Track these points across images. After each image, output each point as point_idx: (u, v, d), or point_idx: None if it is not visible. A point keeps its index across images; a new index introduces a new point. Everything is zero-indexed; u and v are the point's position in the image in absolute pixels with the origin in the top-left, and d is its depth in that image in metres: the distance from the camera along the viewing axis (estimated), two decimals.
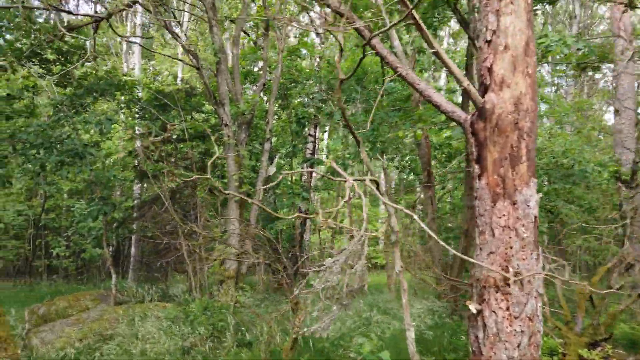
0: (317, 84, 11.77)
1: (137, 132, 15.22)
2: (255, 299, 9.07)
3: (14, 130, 7.93)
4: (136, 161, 15.98)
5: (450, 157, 12.71)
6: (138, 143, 19.14)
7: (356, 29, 4.62)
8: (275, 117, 13.74)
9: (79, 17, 12.69)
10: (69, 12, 8.97)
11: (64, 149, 7.95)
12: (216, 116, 11.53)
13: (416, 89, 4.38)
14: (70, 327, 7.16)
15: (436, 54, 4.34)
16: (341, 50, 4.04)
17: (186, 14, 12.54)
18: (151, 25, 24.04)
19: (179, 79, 18.78)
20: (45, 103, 10.69)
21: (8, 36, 9.08)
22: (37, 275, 18.45)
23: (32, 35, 9.17)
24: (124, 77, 10.51)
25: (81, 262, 18.62)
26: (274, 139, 13.73)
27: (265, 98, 13.02)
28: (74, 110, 9.09)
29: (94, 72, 10.77)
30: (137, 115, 11.39)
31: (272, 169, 10.32)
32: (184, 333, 6.37)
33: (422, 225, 3.23)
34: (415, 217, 3.32)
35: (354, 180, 3.38)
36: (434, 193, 9.05)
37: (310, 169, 12.57)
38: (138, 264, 20.25)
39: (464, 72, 8.31)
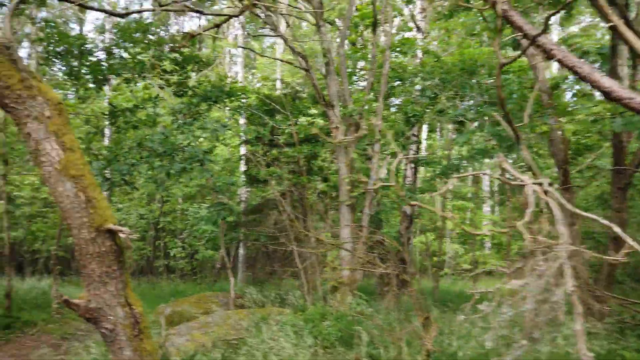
0: (426, 80, 11.08)
1: (242, 137, 15.60)
2: (367, 307, 8.64)
3: (140, 139, 8.31)
4: (245, 166, 16.45)
5: (578, 152, 11.31)
6: (242, 149, 19.80)
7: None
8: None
9: (200, 24, 13.30)
10: (201, 12, 9.28)
11: (185, 155, 8.20)
12: (323, 118, 11.31)
13: (577, 73, 3.65)
14: (197, 330, 7.28)
15: (614, 28, 3.61)
16: (499, 30, 3.46)
17: (289, 17, 12.56)
18: (248, 35, 24.75)
19: (278, 84, 19.10)
20: (164, 112, 11.22)
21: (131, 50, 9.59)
22: (158, 275, 19.78)
23: (151, 49, 9.62)
24: (234, 84, 10.70)
25: (195, 262, 19.66)
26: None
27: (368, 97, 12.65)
28: (192, 118, 9.36)
29: (206, 80, 11.10)
30: (246, 121, 11.56)
31: (384, 172, 9.85)
32: (309, 344, 6.13)
33: (627, 238, 2.54)
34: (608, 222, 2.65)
35: (534, 183, 2.79)
36: (573, 194, 7.96)
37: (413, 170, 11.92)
38: (246, 267, 20.94)
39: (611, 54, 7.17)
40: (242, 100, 11.30)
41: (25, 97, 3.19)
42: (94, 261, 3.38)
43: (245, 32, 20.45)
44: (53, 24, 9.41)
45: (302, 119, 11.89)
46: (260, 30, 23.77)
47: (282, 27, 17.35)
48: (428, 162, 11.65)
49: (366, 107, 9.98)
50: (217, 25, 10.16)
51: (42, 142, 3.24)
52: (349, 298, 8.64)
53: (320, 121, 11.65)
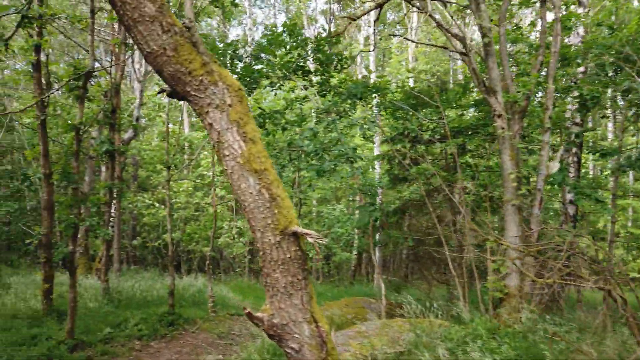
0: (602, 56, 9.29)
1: (380, 135, 14.95)
2: (549, 324, 7.30)
3: (290, 140, 8.09)
4: (384, 165, 15.79)
5: None
6: (376, 149, 19.24)
7: None
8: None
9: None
10: None
11: (335, 154, 7.78)
12: (478, 108, 10.17)
13: None
14: (354, 340, 6.74)
15: None
16: None
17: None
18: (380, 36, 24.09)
19: (410, 76, 18.07)
20: (310, 112, 11.04)
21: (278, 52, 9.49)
22: None
23: (297, 50, 9.43)
24: (380, 78, 10.09)
25: (332, 265, 19.56)
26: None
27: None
28: (338, 116, 8.93)
29: (348, 78, 10.66)
30: (388, 117, 10.86)
31: (555, 165, 8.38)
32: None
33: None
34: None
35: None
36: None
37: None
38: (382, 270, 20.32)
39: None
40: (387, 95, 10.66)
41: (207, 84, 2.83)
42: (278, 269, 2.90)
43: (377, 31, 19.87)
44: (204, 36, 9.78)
45: (451, 112, 10.83)
46: (389, 29, 23.07)
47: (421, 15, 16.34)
48: (605, 152, 9.76)
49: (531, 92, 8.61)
50: (355, 19, 9.66)
51: (224, 133, 2.85)
52: (519, 311, 7.42)
53: (472, 112, 10.49)
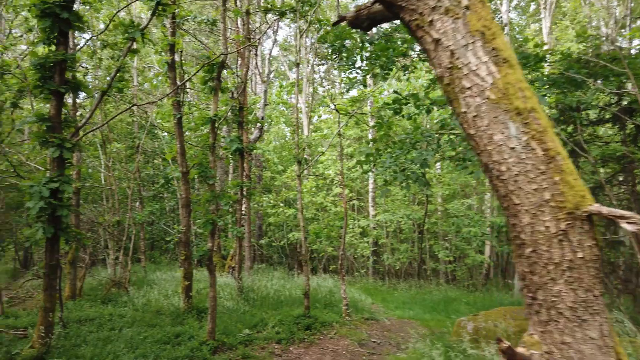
0: None
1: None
2: None
3: (442, 120, 6.81)
4: None
5: None
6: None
7: None
8: None
9: None
10: None
11: None
12: None
13: None
14: None
15: None
16: None
17: None
18: None
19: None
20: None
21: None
22: (424, 279, 18.55)
23: None
24: (537, 48, 8.29)
25: (465, 267, 17.68)
26: None
27: None
28: None
29: None
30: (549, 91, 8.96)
31: None
32: None
33: None
34: None
35: None
36: None
37: None
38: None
39: None
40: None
41: None
42: (562, 278, 1.68)
43: None
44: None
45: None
46: None
47: None
48: None
49: None
50: None
51: (461, 52, 1.71)
52: None
53: None
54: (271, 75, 16.13)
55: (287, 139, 23.52)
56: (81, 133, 6.27)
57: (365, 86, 11.26)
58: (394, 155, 6.99)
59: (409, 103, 8.50)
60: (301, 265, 22.31)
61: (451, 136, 6.97)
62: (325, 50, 24.78)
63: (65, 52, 6.10)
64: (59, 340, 7.50)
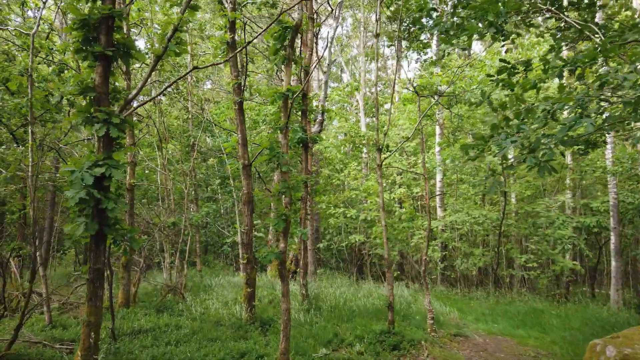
0: None
1: None
2: None
3: (603, 77, 5.02)
4: None
5: None
6: None
7: None
8: None
9: None
10: None
11: None
12: None
13: None
14: None
15: None
16: None
17: None
18: None
19: None
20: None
21: None
22: (502, 287, 16.41)
23: None
24: None
25: (552, 274, 15.41)
26: None
27: None
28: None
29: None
30: None
31: None
32: None
33: None
34: None
35: None
36: None
37: None
38: (622, 283, 15.43)
39: None
40: None
41: None
42: None
43: None
44: None
45: None
46: None
47: None
48: None
49: None
50: None
51: None
52: None
53: None
54: (332, 66, 14.64)
55: (346, 134, 21.98)
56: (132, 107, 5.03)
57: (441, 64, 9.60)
58: (529, 123, 5.27)
59: (518, 72, 6.77)
60: (362, 270, 20.67)
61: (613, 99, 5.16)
62: (395, 30, 23.12)
63: (112, 7, 4.87)
64: (108, 356, 6.31)
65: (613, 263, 13.98)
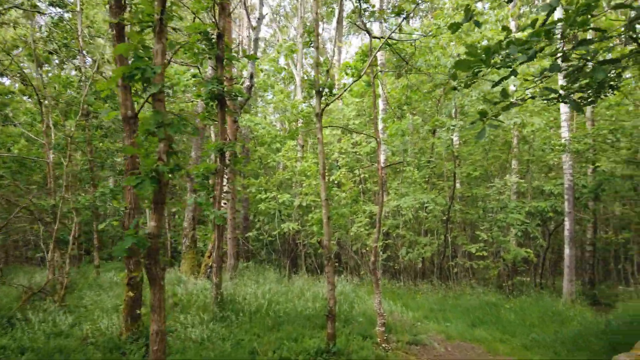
0: None
1: None
2: None
3: None
4: None
5: None
6: None
7: None
8: None
9: None
10: None
11: None
12: None
13: None
14: None
15: None
16: None
17: None
18: None
19: None
20: None
21: None
22: (447, 278, 14.76)
23: None
24: None
25: (503, 264, 13.90)
26: None
27: None
28: None
29: None
30: None
31: None
32: None
33: None
34: None
35: None
36: None
37: None
38: (578, 271, 14.27)
39: None
40: None
41: None
42: None
43: None
44: None
45: None
46: None
47: None
48: None
49: None
50: None
51: None
52: None
53: None
54: (262, 21, 11.97)
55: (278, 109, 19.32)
56: None
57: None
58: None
59: None
60: (296, 263, 18.15)
61: None
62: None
63: None
64: None
65: (567, 251, 12.67)
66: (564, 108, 12.74)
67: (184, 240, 12.35)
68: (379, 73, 12.70)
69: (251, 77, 12.19)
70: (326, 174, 5.61)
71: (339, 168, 14.07)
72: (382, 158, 14.65)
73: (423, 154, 16.37)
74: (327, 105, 5.57)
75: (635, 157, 12.04)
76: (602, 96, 5.31)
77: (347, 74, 12.29)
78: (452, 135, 12.84)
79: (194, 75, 8.19)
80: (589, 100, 5.31)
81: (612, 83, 4.90)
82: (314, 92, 5.34)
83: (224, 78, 8.23)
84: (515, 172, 15.36)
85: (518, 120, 12.55)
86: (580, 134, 12.54)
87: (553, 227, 14.92)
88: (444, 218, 14.52)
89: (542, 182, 14.14)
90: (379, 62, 15.15)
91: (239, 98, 12.27)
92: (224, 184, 11.13)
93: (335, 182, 16.22)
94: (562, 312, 10.89)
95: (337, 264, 16.41)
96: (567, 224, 12.72)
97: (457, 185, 16.19)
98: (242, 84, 12.86)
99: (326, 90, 5.26)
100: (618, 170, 12.67)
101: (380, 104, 15.29)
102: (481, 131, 4.22)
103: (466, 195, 16.28)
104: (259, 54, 17.01)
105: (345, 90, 6.00)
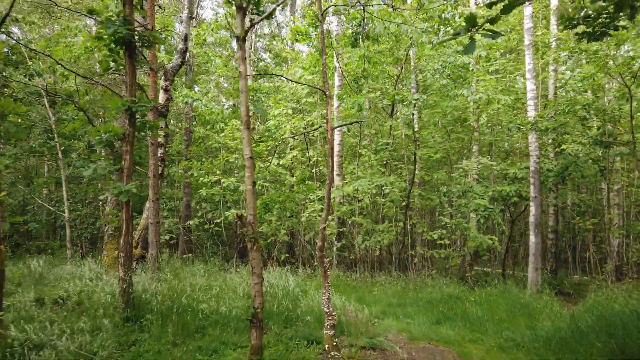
0: None
1: None
2: None
3: None
4: None
5: None
6: None
7: None
8: None
9: None
10: None
11: None
12: None
13: None
14: None
15: None
16: None
17: None
18: None
19: None
20: None
21: None
22: (405, 269, 13.60)
23: None
24: None
25: (467, 252, 12.84)
26: None
27: None
28: None
29: None
30: None
31: None
32: None
33: None
34: None
35: None
36: None
37: None
38: (542, 260, 13.41)
39: None
40: None
41: None
42: None
43: None
44: None
45: None
46: None
47: None
48: None
49: None
50: None
51: None
52: None
53: None
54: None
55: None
56: None
57: None
58: None
59: None
60: (243, 254, 16.39)
61: None
62: None
63: None
64: None
65: (532, 238, 11.76)
66: (530, 85, 11.79)
67: (107, 228, 10.43)
68: (333, 41, 11.25)
69: (185, 38, 10.40)
70: (250, 122, 4.06)
71: (268, 114, 12.51)
72: (337, 148, 13.26)
73: (382, 136, 15.12)
74: (252, 25, 4.02)
75: (604, 138, 11.24)
76: (613, 27, 4.07)
77: (297, 40, 10.74)
78: (413, 110, 11.56)
79: (89, 11, 6.35)
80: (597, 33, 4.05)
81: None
82: (233, 7, 3.77)
83: (135, 22, 6.47)
84: (476, 155, 14.39)
85: (483, 96, 11.48)
86: (549, 110, 11.60)
87: (516, 213, 14.04)
88: (403, 204, 13.31)
89: (505, 166, 13.17)
90: (334, 33, 13.70)
91: (170, 63, 10.46)
92: (159, 154, 9.35)
93: (286, 165, 14.69)
94: (530, 304, 9.90)
95: (289, 255, 14.90)
96: (532, 209, 11.80)
97: (417, 170, 15.06)
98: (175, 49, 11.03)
99: (251, 5, 3.72)
100: (583, 152, 11.89)
101: (336, 79, 13.87)
102: (470, 44, 2.83)
103: (426, 180, 15.19)
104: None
105: (278, 5, 4.42)
